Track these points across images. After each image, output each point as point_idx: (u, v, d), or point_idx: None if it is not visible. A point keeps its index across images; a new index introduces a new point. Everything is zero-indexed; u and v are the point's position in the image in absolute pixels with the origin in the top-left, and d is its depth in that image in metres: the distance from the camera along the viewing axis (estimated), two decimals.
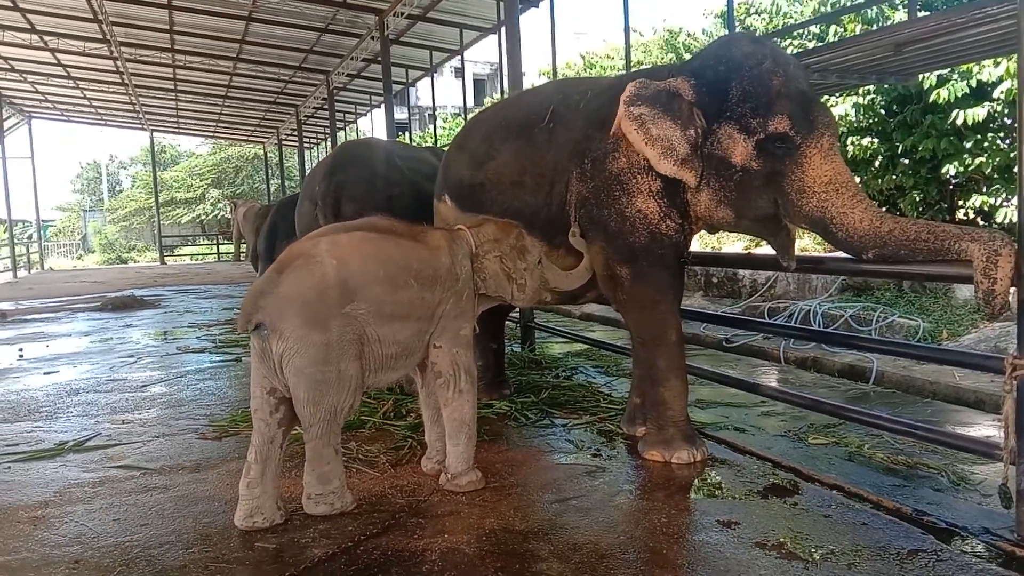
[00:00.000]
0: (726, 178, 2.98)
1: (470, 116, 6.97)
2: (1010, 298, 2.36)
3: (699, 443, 3.32)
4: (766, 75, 2.88)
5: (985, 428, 3.81)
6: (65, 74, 17.19)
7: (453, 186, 3.94)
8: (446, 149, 4.43)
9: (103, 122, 24.77)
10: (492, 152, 3.73)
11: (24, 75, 17.47)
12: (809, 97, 2.93)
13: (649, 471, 3.21)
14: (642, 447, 3.38)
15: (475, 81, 29.84)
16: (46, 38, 14.04)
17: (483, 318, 3.35)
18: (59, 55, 15.25)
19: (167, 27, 13.31)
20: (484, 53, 27.89)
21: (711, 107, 2.98)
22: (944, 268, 2.63)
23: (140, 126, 24.42)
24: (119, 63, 15.18)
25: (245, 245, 11.13)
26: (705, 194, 3.08)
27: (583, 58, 17.48)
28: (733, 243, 10.20)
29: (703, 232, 3.61)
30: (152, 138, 26.42)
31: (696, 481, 3.10)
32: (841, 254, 2.97)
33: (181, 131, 26.52)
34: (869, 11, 8.94)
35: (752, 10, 11.33)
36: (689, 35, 14.01)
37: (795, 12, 10.84)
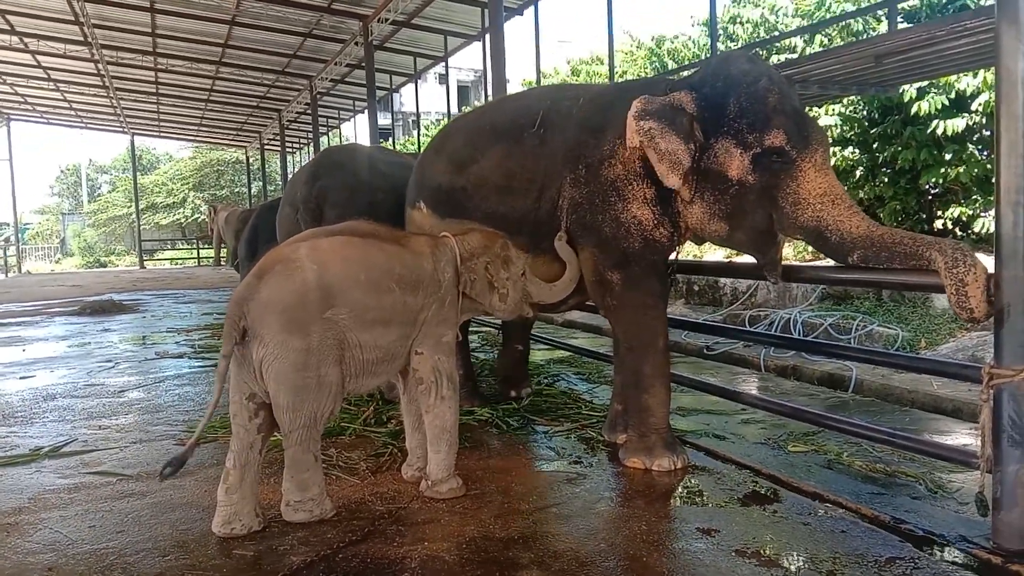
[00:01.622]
0: (721, 191, 3.01)
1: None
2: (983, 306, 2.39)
3: (680, 450, 3.32)
4: (763, 92, 2.92)
5: (962, 437, 3.83)
6: (45, 76, 17.06)
7: (430, 192, 3.86)
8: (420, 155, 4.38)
9: (83, 125, 24.62)
10: (475, 156, 3.68)
11: (3, 77, 17.31)
12: (802, 115, 2.98)
13: (630, 478, 3.21)
14: (623, 454, 3.37)
15: (459, 88, 29.86)
16: (26, 40, 13.92)
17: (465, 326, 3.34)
18: (39, 57, 15.13)
19: (149, 30, 13.25)
20: (468, 60, 27.96)
21: (708, 122, 3.00)
22: (924, 278, 2.66)
23: (121, 129, 24.28)
24: (100, 66, 15.09)
25: (226, 249, 11.07)
26: (698, 207, 3.10)
27: (569, 64, 17.48)
28: (714, 252, 10.25)
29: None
30: (133, 141, 26.23)
31: (677, 488, 3.10)
32: (821, 263, 3.00)
33: (162, 135, 26.40)
34: (855, 24, 9.04)
35: (736, 20, 11.42)
36: (676, 38, 13.99)
37: (780, 24, 10.96)
